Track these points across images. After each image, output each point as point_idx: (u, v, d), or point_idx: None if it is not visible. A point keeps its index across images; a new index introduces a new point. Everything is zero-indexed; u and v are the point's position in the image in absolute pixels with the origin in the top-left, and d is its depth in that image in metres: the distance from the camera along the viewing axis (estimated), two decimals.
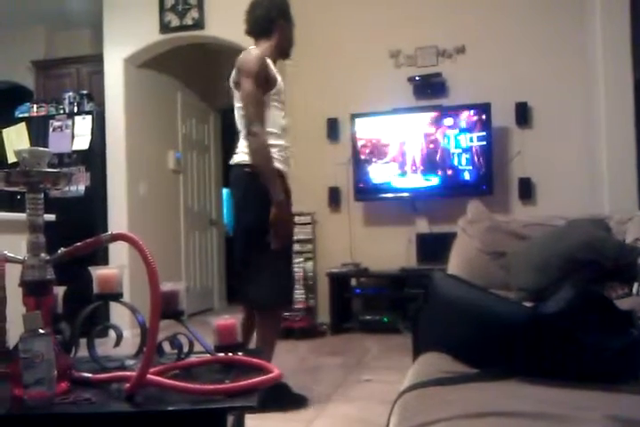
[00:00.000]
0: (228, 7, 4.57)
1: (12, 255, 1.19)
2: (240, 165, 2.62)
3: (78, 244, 1.21)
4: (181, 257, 5.65)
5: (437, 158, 4.53)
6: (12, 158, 4.63)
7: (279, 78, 2.66)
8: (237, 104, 2.66)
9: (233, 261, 2.82)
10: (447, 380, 1.13)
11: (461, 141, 4.48)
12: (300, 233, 4.45)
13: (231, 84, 2.67)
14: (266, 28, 2.71)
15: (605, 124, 4.08)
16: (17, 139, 4.86)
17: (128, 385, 1.10)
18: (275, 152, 2.60)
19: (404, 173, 4.59)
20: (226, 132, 6.32)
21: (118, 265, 1.50)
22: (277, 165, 2.60)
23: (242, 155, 2.62)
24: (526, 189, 4.49)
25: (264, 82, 2.58)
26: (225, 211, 6.93)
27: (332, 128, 4.87)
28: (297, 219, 4.42)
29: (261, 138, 2.54)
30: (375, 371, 3.23)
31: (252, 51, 2.64)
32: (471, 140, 4.47)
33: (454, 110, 4.53)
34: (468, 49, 4.68)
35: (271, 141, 2.59)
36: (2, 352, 1.15)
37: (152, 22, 4.79)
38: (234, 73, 2.65)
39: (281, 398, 2.49)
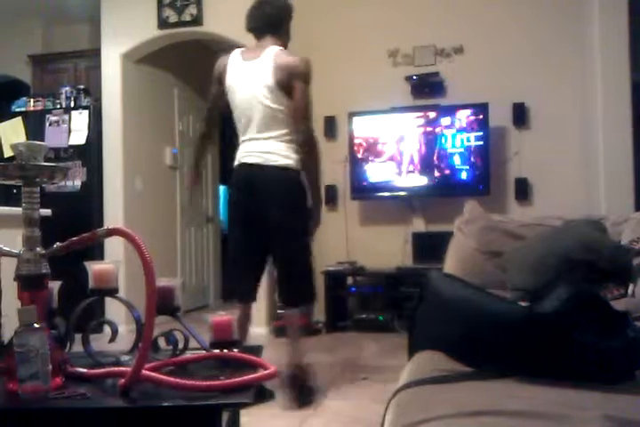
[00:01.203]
0: (225, 4, 4.56)
1: (7, 249, 1.18)
2: (290, 169, 2.66)
3: (74, 238, 1.21)
4: (177, 253, 5.64)
5: (434, 158, 4.53)
6: (8, 153, 4.61)
7: None
8: (273, 105, 2.64)
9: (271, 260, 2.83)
10: (442, 378, 1.13)
11: (458, 141, 4.48)
12: None
13: (270, 83, 2.62)
14: (275, 27, 2.72)
15: (602, 124, 4.08)
16: (13, 133, 4.84)
17: (123, 381, 1.10)
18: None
19: (400, 173, 4.59)
20: (223, 130, 6.30)
21: (114, 260, 1.50)
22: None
23: (285, 159, 2.66)
24: (523, 190, 4.50)
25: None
26: (221, 208, 6.91)
27: (330, 126, 4.87)
28: None
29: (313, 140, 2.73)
30: (370, 369, 3.23)
31: (304, 58, 2.67)
32: (468, 139, 4.47)
33: (452, 110, 4.53)
34: (466, 49, 4.68)
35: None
36: None
37: (150, 18, 4.77)
38: (278, 73, 2.61)
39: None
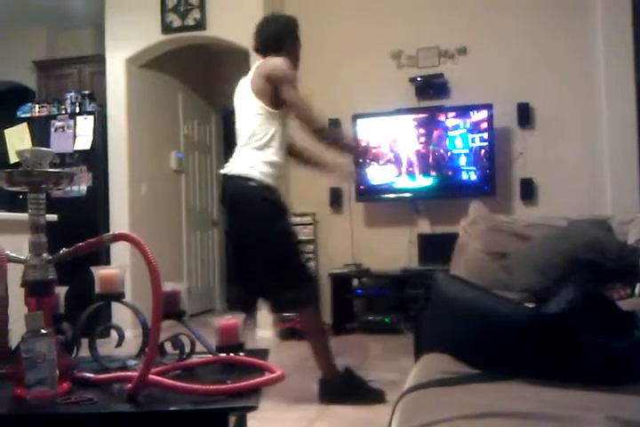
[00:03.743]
0: (229, 8, 4.57)
1: (14, 255, 1.19)
2: (251, 180, 2.60)
3: (80, 244, 1.21)
4: (183, 258, 5.65)
5: (439, 159, 4.52)
6: (13, 159, 4.63)
7: None
8: (252, 111, 2.63)
9: None
10: (449, 381, 1.12)
11: (463, 142, 4.48)
12: (301, 234, 4.45)
13: (250, 93, 2.63)
14: (274, 47, 2.72)
15: (607, 124, 4.07)
16: (19, 139, 4.87)
17: (130, 385, 1.10)
18: (273, 171, 2.63)
19: (405, 174, 4.59)
20: (227, 133, 6.32)
21: (120, 265, 1.50)
22: (270, 181, 2.61)
23: (247, 168, 2.61)
24: (528, 190, 4.49)
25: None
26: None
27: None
28: (298, 219, 4.43)
29: (326, 126, 2.82)
30: (377, 372, 3.22)
31: (276, 59, 2.63)
32: (473, 140, 4.46)
33: (456, 111, 4.53)
34: (470, 49, 4.68)
35: (275, 159, 2.63)
36: (4, 352, 1.15)
37: (154, 23, 4.78)
38: (255, 79, 2.62)
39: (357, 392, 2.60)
